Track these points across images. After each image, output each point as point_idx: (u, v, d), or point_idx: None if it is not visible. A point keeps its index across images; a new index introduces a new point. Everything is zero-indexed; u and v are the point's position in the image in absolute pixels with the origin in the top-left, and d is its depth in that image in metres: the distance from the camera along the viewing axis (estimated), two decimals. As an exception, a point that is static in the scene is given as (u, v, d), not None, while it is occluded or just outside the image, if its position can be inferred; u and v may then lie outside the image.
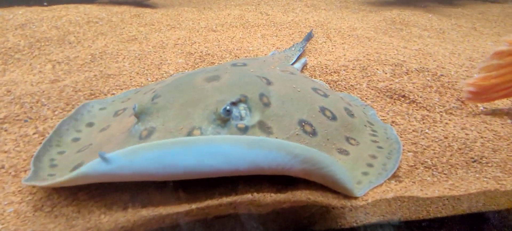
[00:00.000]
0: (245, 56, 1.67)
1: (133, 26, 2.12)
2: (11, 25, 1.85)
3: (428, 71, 1.42)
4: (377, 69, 1.45)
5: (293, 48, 1.60)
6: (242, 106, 0.79)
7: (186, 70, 1.47)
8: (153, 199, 0.77)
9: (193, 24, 2.25)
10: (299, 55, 1.55)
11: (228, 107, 0.74)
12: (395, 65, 1.48)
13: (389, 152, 0.87)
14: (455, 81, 1.34)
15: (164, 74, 1.42)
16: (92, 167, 0.60)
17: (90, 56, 1.58)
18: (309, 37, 1.78)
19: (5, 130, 1.00)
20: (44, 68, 1.46)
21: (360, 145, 0.88)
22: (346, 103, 1.05)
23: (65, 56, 1.57)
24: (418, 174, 0.86)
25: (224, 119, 0.74)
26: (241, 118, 0.78)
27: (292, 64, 1.44)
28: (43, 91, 1.20)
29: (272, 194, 0.75)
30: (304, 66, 1.52)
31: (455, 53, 1.70)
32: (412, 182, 0.83)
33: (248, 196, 0.74)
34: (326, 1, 3.03)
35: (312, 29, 1.85)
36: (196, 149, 0.60)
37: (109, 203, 0.76)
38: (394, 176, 0.84)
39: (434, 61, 1.55)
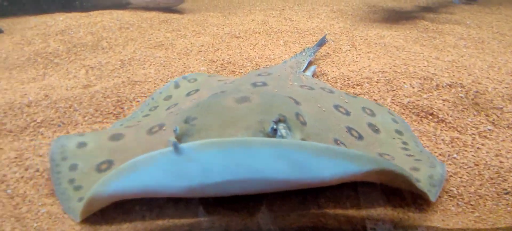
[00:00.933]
0: (266, 65, 1.67)
1: (160, 32, 2.21)
2: (52, 31, 2.01)
3: (461, 86, 1.32)
4: (404, 82, 1.38)
5: (304, 53, 1.57)
6: (282, 125, 0.79)
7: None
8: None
9: (217, 30, 2.29)
10: (310, 60, 1.53)
11: (274, 126, 0.74)
12: (424, 78, 1.40)
13: (431, 163, 0.83)
14: (492, 99, 1.23)
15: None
16: (164, 154, 0.56)
17: (119, 62, 1.68)
18: (322, 42, 1.72)
19: (41, 134, 1.09)
20: (78, 73, 1.57)
21: (396, 160, 0.85)
22: (368, 115, 1.02)
23: (97, 61, 1.68)
24: (441, 202, 0.80)
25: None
26: (283, 137, 0.77)
27: (303, 71, 1.44)
28: (76, 97, 1.30)
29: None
30: (314, 73, 1.50)
31: (494, 67, 1.56)
32: (434, 211, 0.78)
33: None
34: (353, 6, 2.93)
35: (325, 34, 1.79)
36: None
37: (127, 210, 0.80)
38: (415, 203, 0.79)
39: (469, 75, 1.44)
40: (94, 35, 2.00)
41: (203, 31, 2.26)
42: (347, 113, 0.99)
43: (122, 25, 2.21)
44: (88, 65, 1.65)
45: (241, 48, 1.89)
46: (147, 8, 2.81)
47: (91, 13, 2.49)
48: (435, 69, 1.49)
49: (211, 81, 1.29)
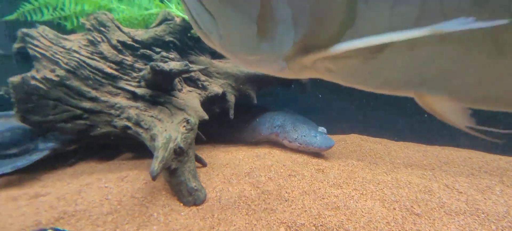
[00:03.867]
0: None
1: (324, 186, 2.39)
2: (241, 172, 2.44)
3: None
4: None
5: None
6: None
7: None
8: None
9: (382, 193, 2.30)
10: None
11: None
12: None
13: None
14: None
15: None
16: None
17: (313, 227, 1.81)
18: None
19: None
20: (279, 230, 1.75)
21: None
22: None
23: (291, 220, 1.86)
24: None
25: None
26: None
27: None
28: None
29: None
30: None
31: None
32: None
33: None
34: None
35: None
36: None
37: None
38: None
39: None
40: (273, 181, 2.31)
41: (363, 191, 2.31)
42: None
43: (291, 173, 2.50)
44: (284, 222, 1.83)
45: None
46: (297, 150, 3.19)
47: (257, 151, 2.98)
48: None
49: None
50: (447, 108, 0.69)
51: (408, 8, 0.58)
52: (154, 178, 1.69)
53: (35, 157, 2.21)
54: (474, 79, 0.63)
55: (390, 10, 0.59)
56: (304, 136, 3.12)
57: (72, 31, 3.03)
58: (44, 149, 2.30)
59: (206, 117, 2.48)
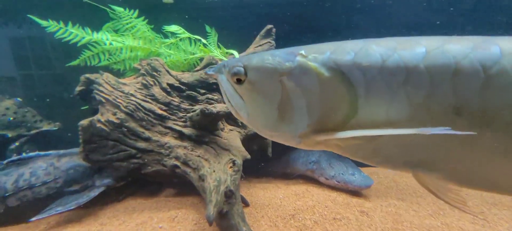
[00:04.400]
0: None
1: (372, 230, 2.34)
2: (286, 214, 2.46)
3: None
4: None
5: None
6: None
7: None
8: None
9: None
10: None
11: None
12: None
13: None
14: None
15: None
16: None
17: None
18: None
19: None
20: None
21: None
22: None
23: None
24: None
25: None
26: None
27: None
28: None
29: None
30: None
31: None
32: None
33: None
34: None
35: None
36: None
37: None
38: None
39: None
40: (319, 226, 2.30)
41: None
42: None
43: (335, 216, 2.48)
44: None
45: None
46: (334, 188, 3.16)
47: (295, 188, 2.99)
48: None
49: None
50: (439, 188, 0.79)
51: (401, 106, 0.72)
52: (210, 223, 1.76)
53: (93, 193, 2.36)
54: (467, 165, 0.73)
55: (387, 106, 0.73)
56: (342, 173, 3.11)
57: (123, 73, 3.32)
58: (100, 185, 2.46)
59: (249, 156, 2.57)
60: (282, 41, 3.58)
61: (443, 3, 3.42)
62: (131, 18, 3.21)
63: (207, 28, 3.52)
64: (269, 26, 3.36)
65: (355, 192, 3.07)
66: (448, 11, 3.44)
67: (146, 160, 2.54)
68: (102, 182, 2.49)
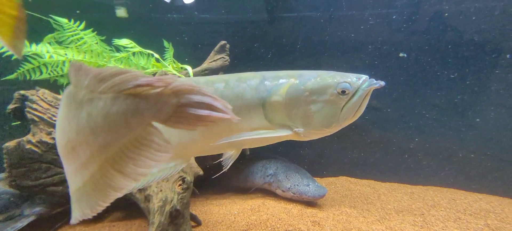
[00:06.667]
0: None
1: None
2: (236, 230, 2.41)
3: None
4: None
5: None
6: None
7: None
8: None
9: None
10: None
11: None
12: None
13: None
14: None
15: None
16: None
17: None
18: None
19: None
20: None
21: None
22: None
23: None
24: None
25: None
26: None
27: None
28: None
29: None
30: None
31: None
32: None
33: None
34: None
35: None
36: None
37: None
38: None
39: None
40: (271, 240, 2.29)
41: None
42: None
43: (287, 228, 2.50)
44: None
45: None
46: (291, 200, 3.20)
47: (251, 202, 2.96)
48: None
49: None
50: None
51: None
52: (151, 247, 1.65)
53: (20, 224, 2.10)
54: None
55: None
56: (297, 185, 3.16)
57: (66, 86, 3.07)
58: (29, 214, 2.20)
59: (202, 172, 2.50)
60: (238, 58, 3.64)
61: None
62: (75, 30, 3.02)
63: (165, 43, 3.45)
64: (223, 42, 3.40)
65: (310, 203, 3.14)
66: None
67: (86, 183, 2.33)
68: (32, 211, 2.22)
